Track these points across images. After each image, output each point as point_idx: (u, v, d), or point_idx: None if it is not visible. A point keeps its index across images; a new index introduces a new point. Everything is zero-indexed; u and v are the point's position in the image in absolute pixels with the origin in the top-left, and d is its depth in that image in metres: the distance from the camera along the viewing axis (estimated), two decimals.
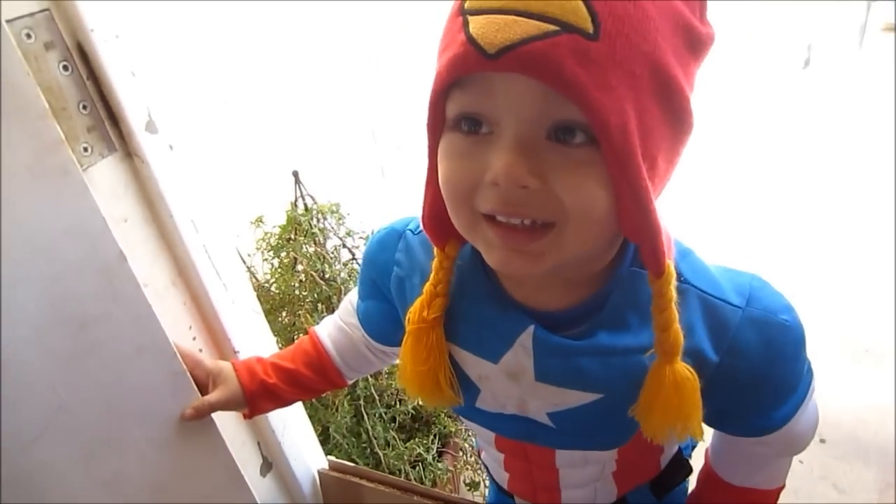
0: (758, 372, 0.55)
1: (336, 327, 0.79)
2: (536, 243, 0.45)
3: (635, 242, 0.49)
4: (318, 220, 1.30)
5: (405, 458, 1.40)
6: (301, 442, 0.97)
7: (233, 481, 0.79)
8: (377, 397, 1.41)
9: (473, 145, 0.45)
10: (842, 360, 1.99)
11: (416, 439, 1.43)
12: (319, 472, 1.01)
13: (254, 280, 1.41)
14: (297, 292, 1.32)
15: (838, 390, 1.89)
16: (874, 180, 2.58)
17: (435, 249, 0.57)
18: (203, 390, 0.73)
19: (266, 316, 1.28)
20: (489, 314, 0.57)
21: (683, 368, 0.50)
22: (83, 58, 0.62)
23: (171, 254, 0.75)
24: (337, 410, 1.35)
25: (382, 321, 0.70)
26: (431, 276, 0.57)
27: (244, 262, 1.42)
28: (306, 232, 1.29)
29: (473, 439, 1.52)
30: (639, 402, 0.53)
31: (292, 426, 0.95)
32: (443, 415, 1.55)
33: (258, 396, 0.75)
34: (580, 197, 0.43)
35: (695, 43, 0.45)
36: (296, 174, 1.27)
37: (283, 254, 1.32)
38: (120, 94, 0.65)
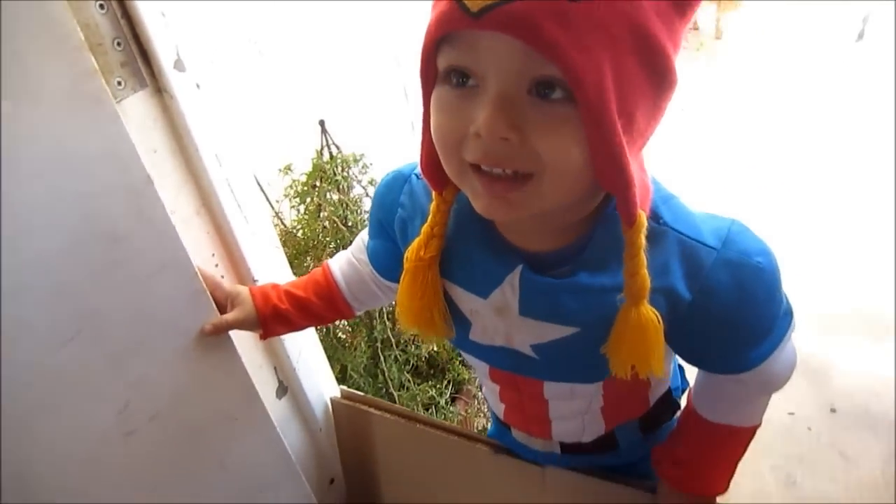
0: (730, 312, 0.58)
1: (347, 262, 0.84)
2: (516, 192, 0.49)
3: (610, 193, 0.53)
4: (343, 169, 1.35)
5: (418, 399, 1.47)
6: (315, 369, 1.05)
7: (249, 398, 0.87)
8: (394, 341, 1.48)
9: (461, 98, 0.49)
10: (859, 334, 2.00)
11: (430, 383, 1.50)
12: (332, 400, 1.09)
13: (281, 225, 1.48)
14: (321, 238, 1.39)
15: (853, 363, 1.90)
16: None
17: (433, 193, 0.61)
18: (222, 310, 0.81)
19: (292, 260, 1.37)
20: (482, 254, 0.61)
21: (649, 311, 0.54)
22: None
23: (195, 185, 0.82)
24: (355, 350, 1.43)
25: (388, 259, 0.75)
26: (429, 218, 0.61)
27: (272, 207, 1.49)
28: (331, 179, 1.35)
29: None
30: (608, 340, 0.57)
31: (307, 354, 1.03)
32: (457, 362, 1.62)
33: (271, 320, 0.81)
34: (556, 151, 0.47)
35: (680, 2, 0.47)
36: (322, 123, 1.33)
37: (309, 200, 1.38)
38: (151, 33, 0.71)
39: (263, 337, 0.84)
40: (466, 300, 0.64)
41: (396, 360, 1.48)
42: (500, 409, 0.81)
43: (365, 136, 1.52)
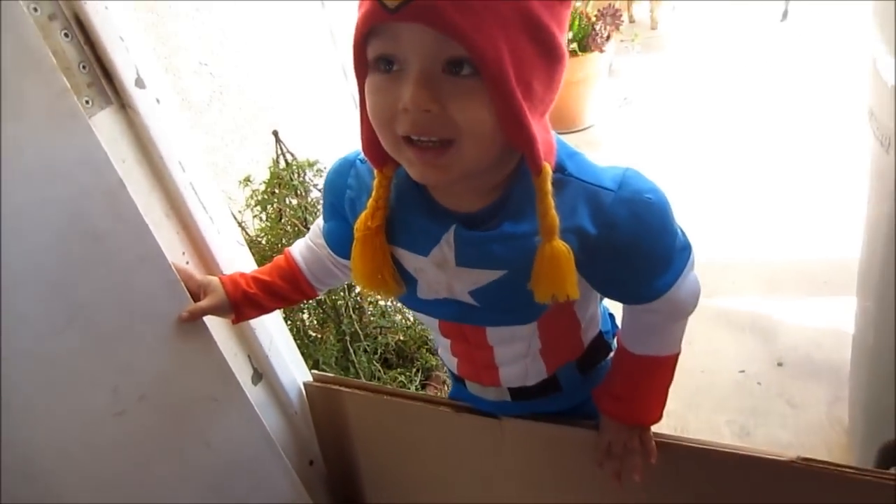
0: (631, 241, 0.67)
1: (306, 246, 0.94)
2: (443, 158, 0.58)
3: (518, 150, 0.63)
4: (299, 175, 1.45)
5: (390, 386, 1.56)
6: (286, 356, 1.14)
7: (227, 379, 0.95)
8: (362, 334, 1.57)
9: (389, 82, 0.58)
10: (802, 290, 2.13)
11: (399, 370, 1.60)
12: (305, 384, 1.18)
13: (246, 235, 1.57)
14: (284, 242, 1.48)
15: (798, 318, 2.03)
16: (845, 131, 2.69)
17: (375, 171, 0.70)
18: (195, 299, 0.89)
19: (259, 264, 1.45)
20: (421, 219, 0.71)
21: (560, 244, 0.63)
22: (80, 26, 0.77)
23: (163, 190, 0.91)
24: (325, 344, 1.52)
25: (342, 238, 0.83)
26: (373, 192, 0.70)
27: (235, 218, 1.58)
28: (288, 185, 1.44)
29: None
30: (532, 273, 0.66)
31: (277, 342, 1.12)
32: (425, 350, 1.71)
33: (241, 304, 0.91)
34: (469, 117, 0.56)
35: None
36: (276, 133, 1.43)
37: (270, 207, 1.47)
38: (111, 55, 0.80)
39: (235, 321, 0.93)
40: (411, 260, 0.73)
41: (366, 351, 1.57)
42: (453, 364, 0.91)
43: (316, 143, 1.62)
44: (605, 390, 0.88)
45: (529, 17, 0.55)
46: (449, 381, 1.75)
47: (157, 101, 0.87)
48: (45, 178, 0.69)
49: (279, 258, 0.95)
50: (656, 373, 0.86)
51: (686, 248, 0.75)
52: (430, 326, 0.86)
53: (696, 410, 1.80)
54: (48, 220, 0.70)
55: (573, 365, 0.89)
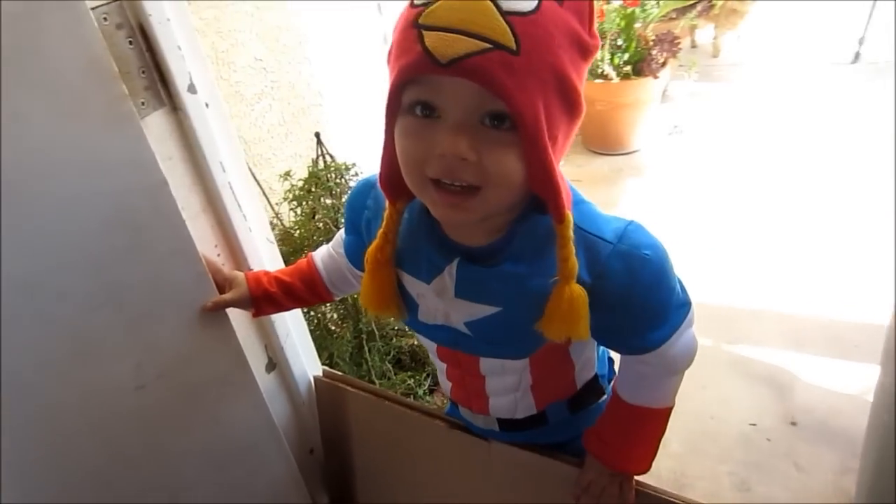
0: (622, 293, 0.70)
1: (328, 254, 1.00)
2: (467, 202, 0.61)
3: (543, 198, 0.66)
4: (336, 176, 1.52)
5: (397, 389, 1.63)
6: (301, 350, 1.21)
7: (240, 366, 1.03)
8: (377, 334, 1.64)
9: (424, 127, 0.61)
10: (828, 350, 2.05)
11: (409, 373, 1.66)
12: (314, 378, 1.25)
13: (281, 225, 1.65)
14: (315, 238, 1.55)
15: (819, 378, 1.96)
16: None
17: (387, 204, 0.73)
18: (221, 291, 0.97)
19: (288, 257, 1.53)
20: (428, 249, 0.74)
21: (577, 288, 0.66)
22: (143, 35, 0.85)
23: (203, 187, 0.99)
24: (342, 339, 1.59)
25: (358, 252, 0.86)
26: (383, 224, 0.74)
27: (273, 209, 1.67)
28: (325, 186, 1.52)
29: None
30: (544, 313, 0.68)
31: (294, 335, 1.19)
32: None
33: (261, 300, 0.98)
34: (502, 168, 0.60)
35: (584, 51, 0.62)
36: (317, 135, 1.50)
37: (305, 204, 1.55)
38: (169, 62, 0.88)
39: (255, 315, 1.01)
40: (414, 285, 0.78)
41: (379, 351, 1.64)
42: (447, 387, 0.95)
43: (357, 147, 1.69)
44: (595, 431, 0.90)
45: (561, 77, 0.59)
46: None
47: (206, 105, 0.95)
48: (98, 173, 0.77)
49: (301, 261, 1.01)
50: (645, 424, 0.86)
51: (684, 306, 0.77)
52: (429, 349, 0.90)
53: (698, 456, 1.77)
54: (96, 210, 0.78)
55: (563, 403, 0.92)
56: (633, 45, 2.96)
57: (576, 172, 3.24)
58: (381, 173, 0.70)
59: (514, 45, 0.55)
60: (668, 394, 0.85)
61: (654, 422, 0.86)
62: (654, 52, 2.97)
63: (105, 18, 0.81)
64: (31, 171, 0.72)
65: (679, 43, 3.03)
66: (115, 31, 0.82)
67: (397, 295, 0.79)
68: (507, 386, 0.87)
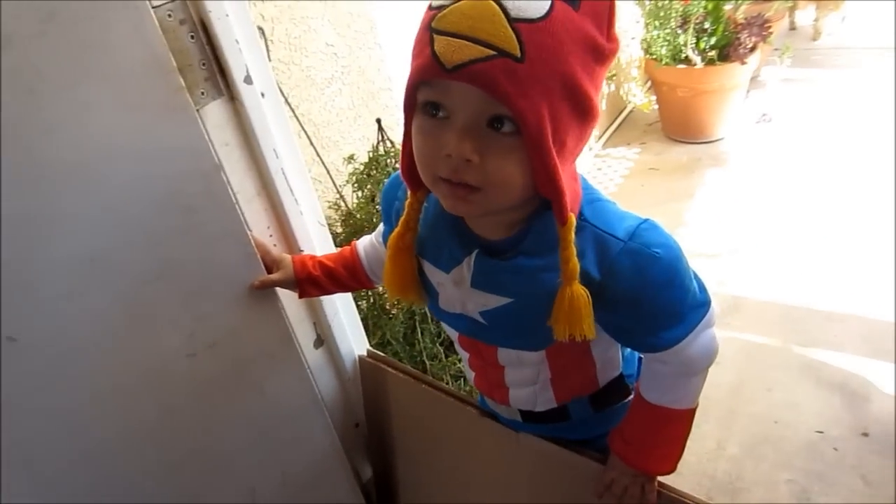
0: (632, 292, 0.70)
1: (370, 243, 1.04)
2: (471, 196, 0.64)
3: (548, 199, 0.68)
4: (395, 162, 1.56)
5: (448, 370, 1.67)
6: (348, 328, 1.27)
7: (286, 341, 1.10)
8: (430, 316, 1.68)
9: (435, 127, 0.63)
10: None
11: (459, 356, 1.69)
12: (359, 357, 1.31)
13: (344, 207, 1.72)
14: (374, 220, 1.61)
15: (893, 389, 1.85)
16: None
17: (409, 193, 0.77)
18: (269, 272, 1.03)
19: (351, 237, 1.59)
20: (449, 240, 0.77)
21: (579, 288, 0.68)
22: (204, 30, 0.91)
23: (257, 172, 1.05)
24: (395, 320, 1.64)
25: None
26: (404, 213, 0.77)
27: (337, 190, 1.73)
28: (384, 171, 1.56)
29: None
30: (551, 313, 0.70)
31: (342, 314, 1.25)
32: None
33: (305, 283, 1.04)
34: (502, 173, 0.62)
35: (599, 56, 0.63)
36: (378, 121, 1.54)
37: (366, 188, 1.60)
38: (227, 55, 0.94)
39: (300, 296, 1.07)
40: (435, 274, 0.81)
41: (431, 333, 1.68)
42: (471, 377, 0.98)
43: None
44: (619, 430, 0.91)
45: (569, 83, 0.60)
46: None
47: (262, 95, 1.00)
48: (156, 158, 0.84)
49: (345, 248, 1.06)
50: (667, 425, 0.86)
51: (702, 306, 0.77)
52: (453, 338, 0.93)
53: (757, 461, 1.70)
54: (154, 193, 0.86)
55: (585, 400, 0.93)
56: (721, 28, 2.83)
57: (653, 161, 3.14)
58: (402, 165, 0.73)
59: (518, 53, 0.56)
60: (689, 395, 0.85)
61: (675, 423, 0.86)
62: (742, 36, 2.82)
63: (169, 15, 0.87)
64: (97, 155, 0.80)
65: (770, 27, 2.87)
66: (178, 26, 0.89)
67: (417, 281, 0.82)
68: (526, 378, 0.89)
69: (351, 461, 1.30)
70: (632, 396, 0.94)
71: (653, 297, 0.72)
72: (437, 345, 1.70)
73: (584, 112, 0.63)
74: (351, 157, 1.64)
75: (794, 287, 2.24)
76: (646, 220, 0.72)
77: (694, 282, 0.76)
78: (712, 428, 1.80)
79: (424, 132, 0.65)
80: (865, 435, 1.74)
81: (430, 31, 0.59)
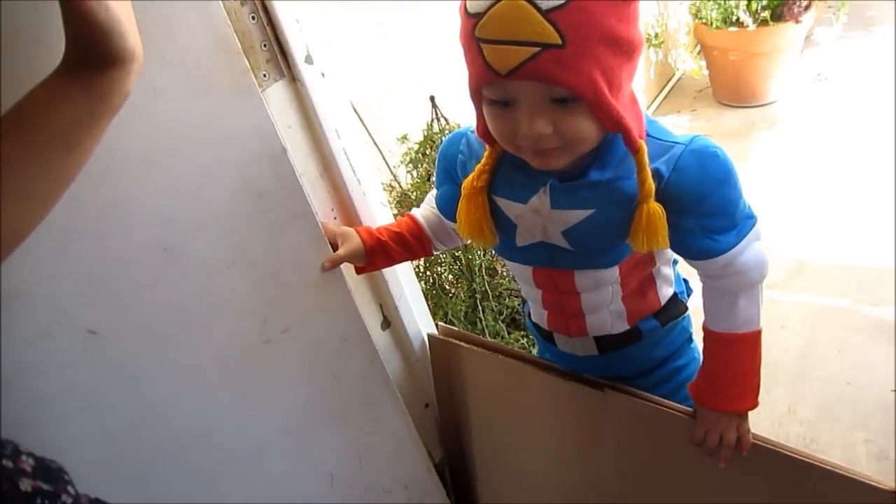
0: (697, 186, 0.77)
1: (428, 210, 1.05)
2: (556, 153, 0.72)
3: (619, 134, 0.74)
4: None
5: (511, 347, 1.65)
6: (414, 308, 1.26)
7: (356, 324, 1.08)
8: (491, 294, 1.66)
9: (506, 113, 0.71)
10: None
11: (522, 332, 1.67)
12: (429, 335, 1.29)
13: (398, 188, 1.70)
14: None
15: None
16: None
17: (487, 146, 0.82)
18: (333, 248, 1.02)
19: None
20: (522, 176, 0.82)
21: (655, 205, 0.76)
22: (265, 11, 0.90)
23: (320, 153, 1.04)
24: (456, 299, 1.63)
25: (451, 202, 0.91)
26: (483, 159, 0.83)
27: (391, 171, 1.71)
28: (439, 148, 1.53)
29: None
30: (630, 229, 0.78)
31: (408, 294, 1.23)
32: None
33: (374, 251, 1.02)
34: (576, 133, 0.70)
35: None
36: (432, 98, 1.52)
37: (421, 167, 1.58)
38: (288, 36, 0.92)
39: (363, 269, 1.05)
40: (512, 208, 0.85)
41: (493, 310, 1.66)
42: (543, 318, 1.00)
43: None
44: (696, 381, 0.95)
45: (609, 37, 0.65)
46: None
47: (323, 75, 0.99)
48: (225, 143, 0.83)
49: (401, 219, 1.06)
50: (738, 354, 0.90)
51: (751, 218, 0.83)
52: (524, 281, 0.96)
53: (832, 423, 1.68)
54: (224, 178, 0.85)
55: (652, 318, 0.98)
56: None
57: (705, 127, 3.05)
58: (478, 127, 0.80)
59: (559, 41, 0.62)
60: (751, 315, 0.88)
61: (745, 350, 0.90)
62: None
63: None
64: (167, 142, 0.79)
65: None
66: (239, 7, 0.87)
67: (490, 220, 0.86)
68: (602, 300, 0.93)
69: (424, 442, 1.29)
70: (688, 312, 1.03)
71: (713, 192, 0.77)
72: (499, 322, 1.68)
73: (629, 51, 0.68)
74: (405, 137, 1.62)
75: (858, 247, 2.17)
76: (699, 135, 0.79)
77: (742, 195, 0.81)
78: (782, 392, 1.78)
79: (496, 118, 0.72)
80: None
81: (476, 40, 0.65)
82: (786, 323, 1.98)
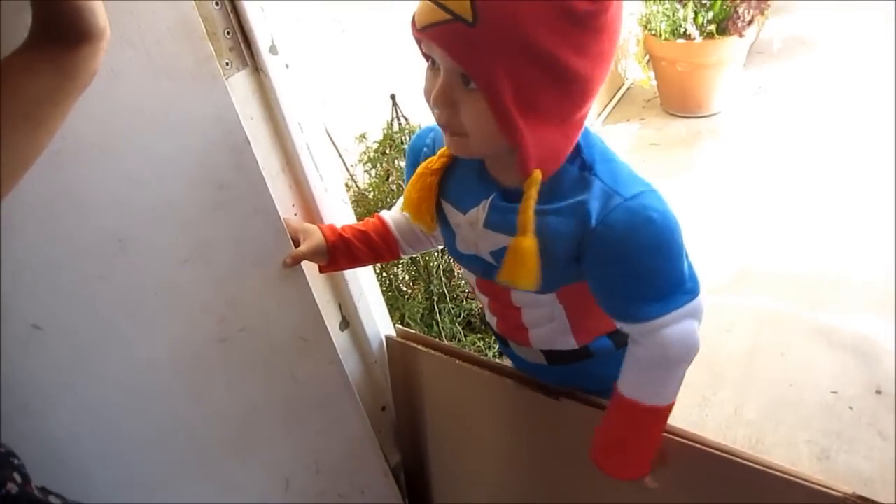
0: (621, 246, 0.72)
1: (398, 214, 1.02)
2: (461, 140, 0.71)
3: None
4: (410, 138, 1.52)
5: (468, 350, 1.64)
6: (374, 309, 1.23)
7: (317, 324, 1.05)
8: (448, 296, 1.65)
9: (432, 75, 0.70)
10: None
11: (478, 335, 1.67)
12: (387, 337, 1.27)
13: (355, 187, 1.67)
14: (388, 200, 1.57)
15: None
16: None
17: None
18: (295, 244, 0.98)
19: (363, 217, 1.55)
20: (473, 182, 0.81)
21: (527, 241, 0.72)
22: None
23: (282, 147, 1.01)
24: (413, 300, 1.61)
25: None
26: (443, 148, 0.82)
27: (348, 170, 1.68)
28: (399, 148, 1.52)
29: None
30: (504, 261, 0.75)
31: (367, 295, 1.21)
32: None
33: (337, 248, 0.99)
34: (473, 122, 0.68)
35: (574, 18, 0.62)
36: (393, 97, 1.50)
37: (379, 166, 1.56)
38: (252, 24, 0.89)
39: (325, 268, 1.02)
40: (454, 215, 0.84)
41: (450, 313, 1.65)
42: (494, 322, 0.98)
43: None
44: (595, 432, 0.91)
45: (533, 47, 0.62)
46: None
47: (287, 66, 0.96)
48: (185, 131, 0.80)
49: (368, 219, 1.03)
50: (635, 420, 0.85)
51: (688, 294, 0.77)
52: (471, 283, 0.95)
53: (776, 424, 1.73)
54: (183, 168, 0.81)
55: (605, 337, 0.93)
56: (719, 3, 2.80)
57: (653, 136, 3.12)
58: None
59: (470, 18, 0.60)
60: (664, 390, 0.83)
61: (646, 420, 0.84)
62: (740, 10, 2.80)
63: None
64: (125, 126, 0.75)
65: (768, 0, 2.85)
66: None
67: (433, 201, 0.85)
68: (543, 316, 0.89)
69: (380, 446, 1.26)
70: None
71: (638, 257, 0.73)
72: (456, 324, 1.67)
73: (558, 76, 0.64)
74: (362, 136, 1.59)
75: (800, 253, 2.25)
76: (652, 188, 0.74)
77: (686, 266, 0.76)
78: (729, 395, 1.82)
79: (426, 78, 0.72)
80: (879, 392, 1.77)
81: None
82: (731, 327, 2.04)
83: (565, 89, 0.66)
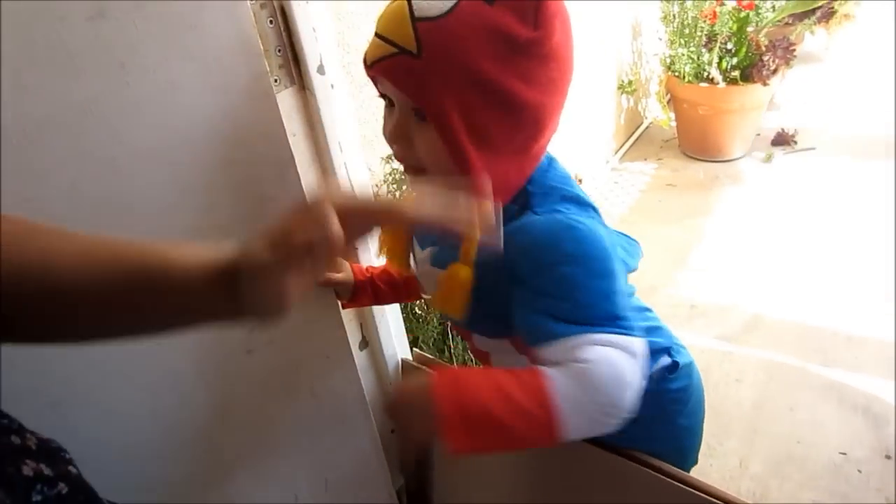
0: (535, 250, 0.67)
1: None
2: (420, 177, 0.72)
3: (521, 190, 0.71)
4: None
5: None
6: (393, 331, 1.24)
7: (341, 343, 1.06)
8: None
9: (388, 114, 0.72)
10: None
11: None
12: (402, 360, 1.27)
13: None
14: None
15: None
16: None
17: None
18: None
19: None
20: None
21: (461, 269, 0.70)
22: (283, 16, 0.89)
23: (321, 165, 1.02)
24: (427, 325, 1.61)
25: None
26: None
27: (374, 194, 1.69)
28: None
29: None
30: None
31: (388, 317, 1.21)
32: None
33: (363, 288, 1.00)
34: (430, 158, 0.68)
35: (519, 47, 0.63)
36: None
37: (405, 188, 1.57)
38: (303, 43, 0.91)
39: (345, 305, 1.04)
40: (417, 252, 0.85)
41: (462, 340, 1.65)
42: (476, 362, 0.98)
43: None
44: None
45: (476, 76, 0.62)
46: None
47: (332, 86, 0.98)
48: (235, 143, 0.81)
49: None
50: (513, 398, 0.64)
51: (615, 320, 0.66)
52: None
53: (781, 480, 1.70)
54: (231, 179, 0.83)
55: None
56: (744, 49, 2.84)
57: (670, 177, 3.14)
58: None
59: (414, 49, 0.61)
60: (570, 417, 0.63)
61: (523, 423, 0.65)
62: (765, 58, 2.83)
63: None
64: (178, 136, 0.76)
65: (794, 50, 2.88)
66: (259, 9, 0.86)
67: (405, 245, 0.85)
68: (512, 362, 0.81)
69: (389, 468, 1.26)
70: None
71: (554, 266, 0.66)
72: (468, 351, 1.67)
73: (506, 105, 0.64)
74: (389, 157, 1.61)
75: (813, 307, 2.24)
76: (593, 218, 0.72)
77: (620, 299, 0.67)
78: (735, 445, 1.79)
79: (384, 117, 0.74)
80: (889, 458, 1.73)
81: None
82: (741, 376, 2.02)
83: (515, 119, 0.66)
